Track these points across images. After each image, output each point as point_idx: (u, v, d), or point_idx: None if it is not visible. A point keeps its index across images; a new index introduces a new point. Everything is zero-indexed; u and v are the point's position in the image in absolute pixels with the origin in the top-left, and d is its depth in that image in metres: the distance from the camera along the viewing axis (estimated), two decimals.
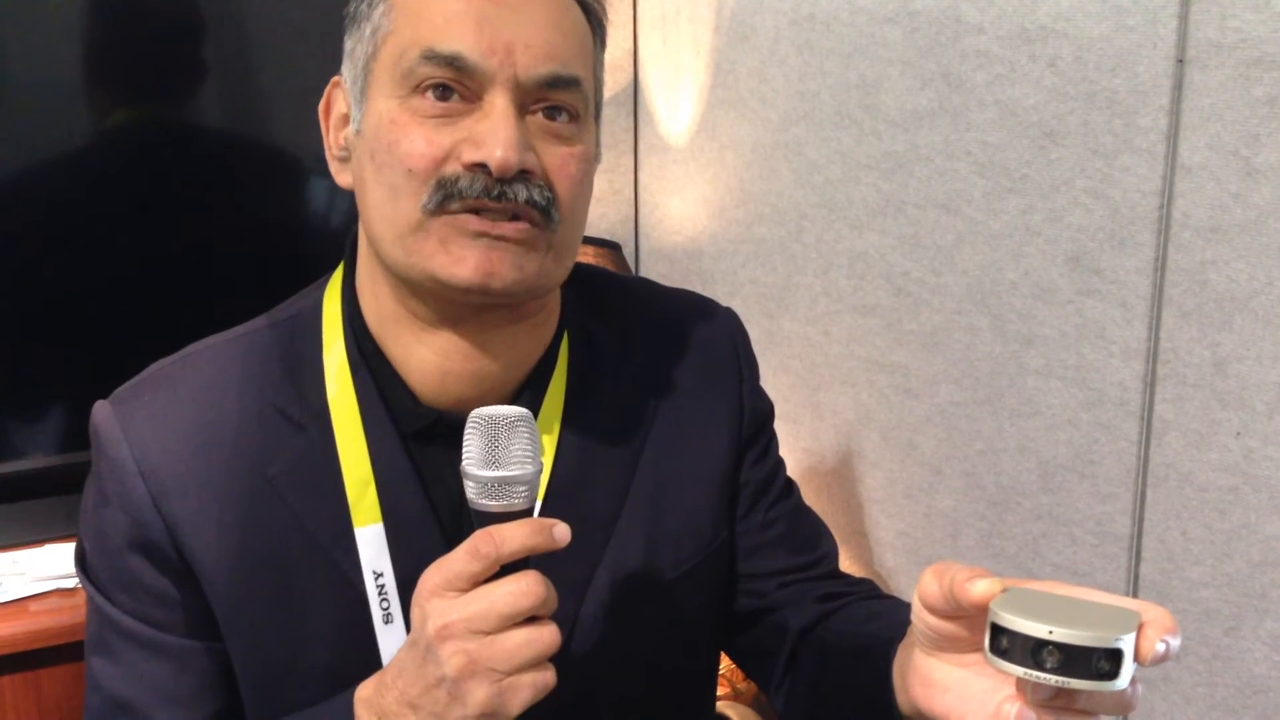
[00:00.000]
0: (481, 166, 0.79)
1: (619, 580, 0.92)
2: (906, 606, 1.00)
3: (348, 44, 0.86)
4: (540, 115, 0.83)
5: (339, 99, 0.88)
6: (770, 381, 1.88)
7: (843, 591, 1.03)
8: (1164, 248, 1.19)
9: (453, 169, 0.80)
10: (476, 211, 0.80)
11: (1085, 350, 1.30)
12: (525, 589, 0.71)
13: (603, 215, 2.28)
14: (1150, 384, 1.23)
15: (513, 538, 0.71)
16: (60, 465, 1.63)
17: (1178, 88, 1.15)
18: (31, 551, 1.53)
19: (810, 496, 1.77)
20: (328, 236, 1.75)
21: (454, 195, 0.79)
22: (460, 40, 0.79)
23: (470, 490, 0.73)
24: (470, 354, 0.86)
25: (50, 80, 1.59)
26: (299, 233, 1.77)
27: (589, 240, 2.10)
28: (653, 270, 2.24)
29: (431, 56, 0.79)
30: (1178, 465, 1.20)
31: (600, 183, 2.43)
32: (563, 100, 0.83)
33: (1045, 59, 1.29)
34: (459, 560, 0.71)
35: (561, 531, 0.72)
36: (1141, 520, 1.24)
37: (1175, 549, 1.21)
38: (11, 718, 1.44)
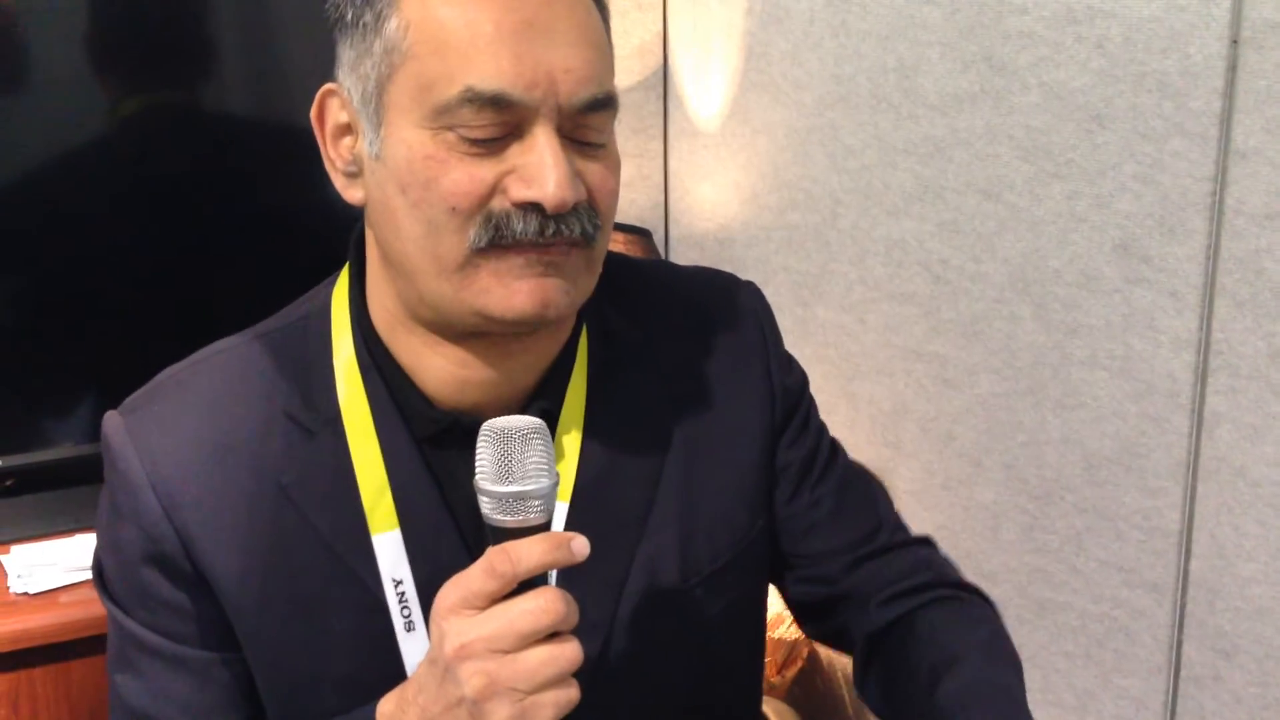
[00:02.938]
0: (533, 205, 0.76)
1: (654, 579, 0.90)
2: (980, 624, 0.95)
3: (346, 53, 0.81)
4: (578, 136, 0.80)
5: (335, 108, 0.82)
6: (806, 371, 1.85)
7: (912, 587, 0.96)
8: (1217, 235, 1.15)
9: (501, 205, 0.76)
10: (529, 247, 0.78)
11: (1133, 340, 1.27)
12: (545, 606, 0.68)
13: (632, 201, 2.25)
14: (1202, 375, 1.19)
15: (529, 555, 0.68)
16: (90, 455, 1.62)
17: (1232, 69, 1.11)
18: (62, 541, 1.52)
19: None
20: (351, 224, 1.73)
21: (507, 235, 0.76)
22: (500, 76, 0.74)
23: (485, 505, 0.70)
24: (489, 362, 0.84)
25: (57, 74, 1.57)
26: (323, 220, 1.75)
27: (619, 227, 2.07)
28: (683, 257, 2.21)
29: (473, 99, 0.74)
30: (1230, 459, 1.17)
31: (629, 168, 2.40)
32: (603, 121, 0.81)
33: (1093, 40, 1.25)
34: (475, 579, 0.69)
35: (580, 546, 0.70)
36: (1192, 515, 1.20)
37: (1227, 545, 1.18)
38: (43, 709, 1.43)
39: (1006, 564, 1.46)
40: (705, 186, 2.10)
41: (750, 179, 1.94)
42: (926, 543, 1.02)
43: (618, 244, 2.02)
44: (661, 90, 2.23)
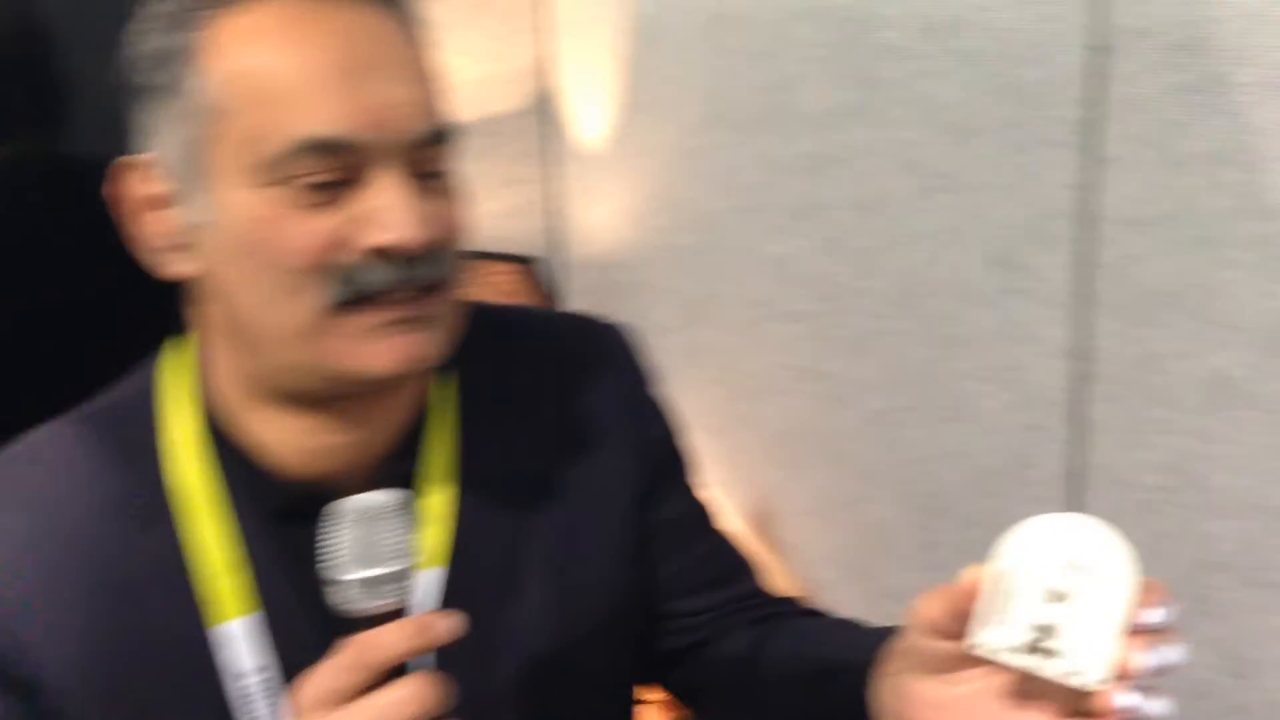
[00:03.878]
0: (387, 251, 0.72)
1: (532, 644, 0.86)
2: (844, 625, 0.96)
3: (151, 120, 0.74)
4: (421, 173, 0.76)
5: (138, 181, 0.75)
6: (696, 394, 1.84)
7: (775, 612, 0.99)
8: (1088, 243, 1.15)
9: (350, 258, 0.72)
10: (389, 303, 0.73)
11: (1014, 351, 1.26)
12: (414, 695, 0.64)
13: (515, 229, 2.22)
14: (1080, 384, 1.19)
15: (389, 644, 0.64)
16: None
17: (1097, 76, 1.12)
18: None
19: (741, 510, 1.72)
20: None
21: (361, 289, 0.72)
22: (334, 120, 0.70)
23: (339, 593, 0.66)
24: (344, 427, 0.79)
25: None
26: None
27: (500, 258, 2.03)
28: (574, 284, 2.18)
29: (308, 147, 0.70)
30: (1111, 467, 1.17)
31: (509, 196, 2.37)
32: (442, 155, 0.77)
33: (960, 52, 1.25)
34: (333, 675, 0.64)
35: (446, 627, 0.66)
36: None
37: None
38: None
39: (903, 581, 1.45)
40: (593, 210, 2.08)
41: (637, 201, 1.92)
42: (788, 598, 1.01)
43: (500, 275, 1.98)
44: (542, 116, 2.20)
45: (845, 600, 1.56)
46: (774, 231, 1.58)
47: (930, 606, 0.67)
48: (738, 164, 1.63)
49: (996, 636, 0.63)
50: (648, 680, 1.02)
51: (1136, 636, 0.62)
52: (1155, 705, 0.62)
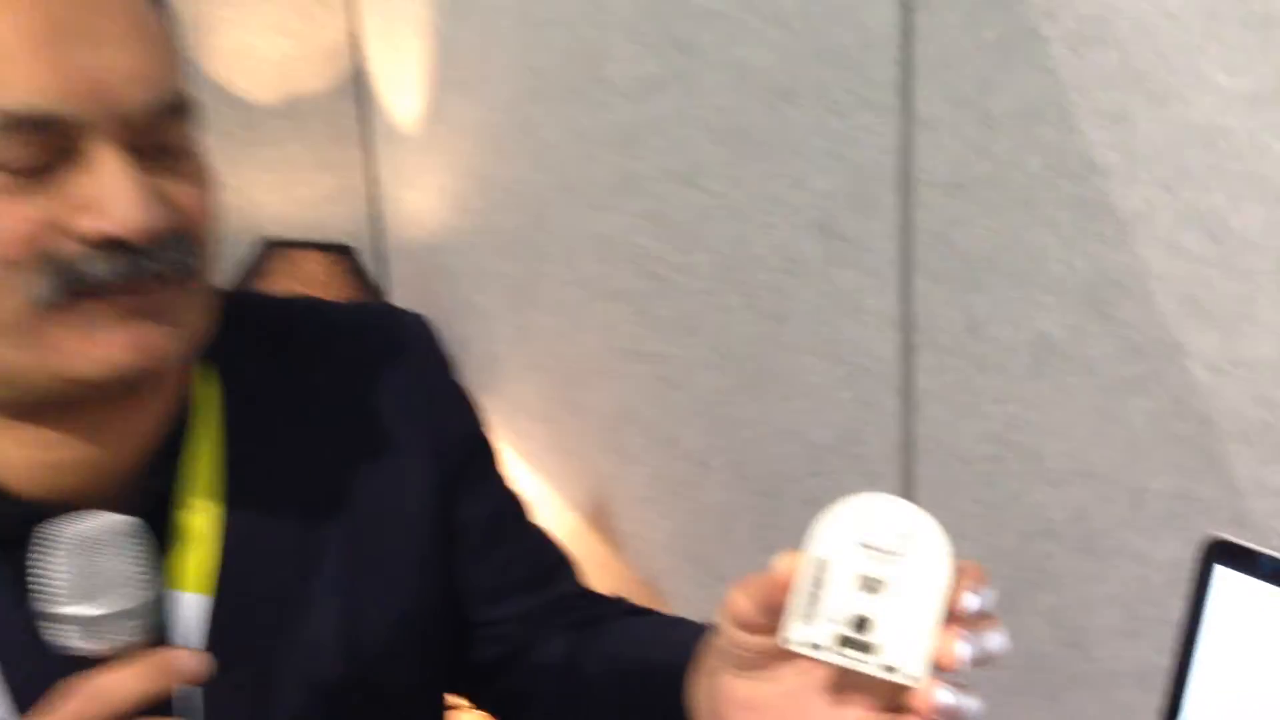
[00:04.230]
0: (111, 241, 0.63)
1: (317, 669, 0.77)
2: (670, 624, 0.90)
3: None
4: (153, 151, 0.66)
5: None
6: (524, 380, 1.76)
7: (596, 615, 0.92)
8: (908, 209, 1.11)
9: (65, 247, 0.62)
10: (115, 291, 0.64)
11: (841, 323, 1.22)
12: None
13: (331, 216, 2.09)
14: (907, 354, 1.15)
15: (124, 689, 0.55)
16: None
17: (907, 35, 1.07)
18: None
19: (574, 499, 1.66)
20: None
21: (79, 282, 0.63)
22: (36, 90, 0.61)
23: (60, 632, 0.57)
24: (82, 438, 0.68)
25: None
26: None
27: (315, 246, 1.91)
28: (397, 271, 2.07)
29: (6, 124, 0.60)
30: (941, 438, 1.14)
31: (327, 181, 2.24)
32: (179, 129, 0.67)
33: (772, 14, 1.20)
34: None
35: (194, 665, 0.57)
36: (910, 498, 1.16)
37: (946, 525, 1.13)
38: None
39: (739, 565, 1.40)
40: (413, 194, 1.97)
41: (456, 182, 1.82)
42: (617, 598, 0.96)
43: (314, 264, 1.86)
44: (358, 96, 2.08)
45: (685, 588, 1.51)
46: (594, 208, 1.51)
47: (740, 600, 0.61)
48: (553, 139, 1.55)
49: (809, 631, 0.58)
50: (460, 693, 0.95)
51: (955, 625, 0.57)
52: (970, 702, 0.57)
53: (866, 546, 0.58)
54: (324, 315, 0.89)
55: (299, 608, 0.77)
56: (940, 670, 0.57)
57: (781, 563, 0.59)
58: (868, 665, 0.58)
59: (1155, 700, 0.98)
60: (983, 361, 1.08)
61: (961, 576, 0.58)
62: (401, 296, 2.01)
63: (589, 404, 1.59)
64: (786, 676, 0.63)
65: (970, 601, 0.57)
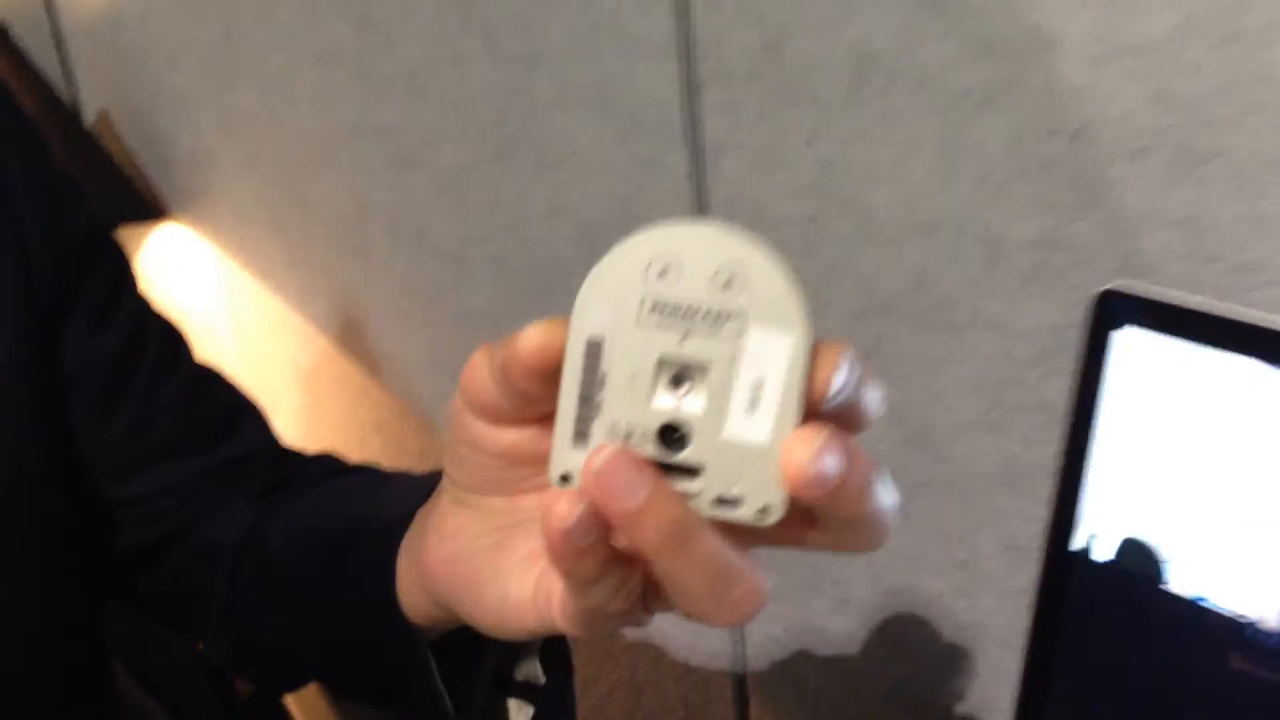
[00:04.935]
0: None
1: None
2: (397, 477, 0.66)
3: None
4: None
5: None
6: (241, 178, 1.42)
7: (286, 478, 0.68)
8: None
9: None
10: None
11: (605, 60, 0.93)
12: None
13: None
14: (691, 93, 0.88)
15: None
16: None
17: None
18: None
19: (317, 319, 1.36)
20: None
21: None
22: None
23: None
24: None
25: None
26: None
27: None
28: (78, 55, 1.67)
29: None
30: (744, 197, 0.88)
31: None
32: None
33: None
34: None
35: None
36: None
37: None
38: None
39: None
40: None
41: None
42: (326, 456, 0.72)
43: None
44: None
45: None
46: None
47: (476, 368, 0.40)
48: None
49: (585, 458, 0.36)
50: (113, 595, 0.70)
51: (816, 423, 0.36)
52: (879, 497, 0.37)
53: (666, 311, 0.36)
54: None
55: None
56: (800, 498, 0.36)
57: (533, 335, 0.37)
58: (693, 504, 0.37)
59: (1025, 504, 0.78)
60: (787, 91, 0.81)
61: (819, 346, 0.36)
62: (88, 84, 1.62)
63: (317, 199, 1.28)
64: (528, 512, 0.44)
65: (837, 383, 0.36)
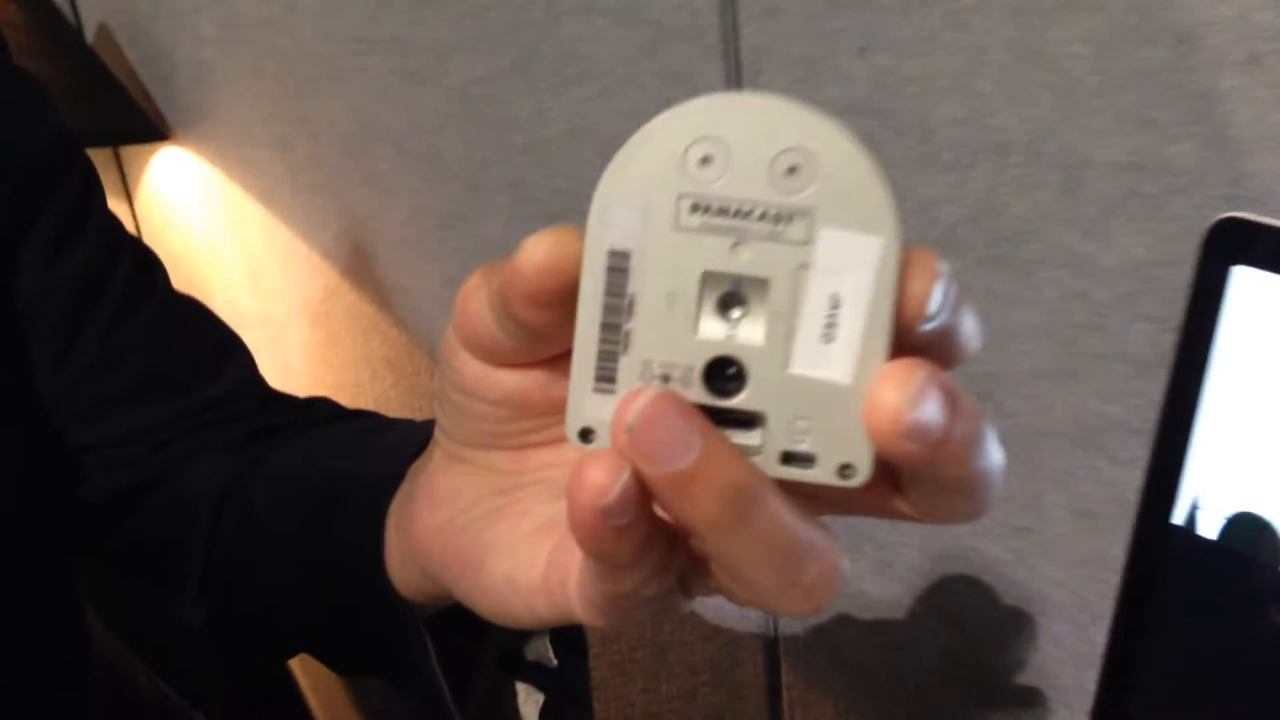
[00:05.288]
0: None
1: None
2: (394, 424, 0.58)
3: None
4: None
5: None
6: (244, 95, 1.33)
7: (271, 424, 0.60)
8: None
9: None
10: None
11: None
12: None
13: None
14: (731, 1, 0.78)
15: None
16: None
17: None
18: None
19: (324, 248, 1.28)
20: None
21: None
22: None
23: None
24: None
25: None
26: None
27: None
28: None
29: None
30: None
31: None
32: None
33: None
34: None
35: None
36: None
37: None
38: None
39: None
40: None
41: None
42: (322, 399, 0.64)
43: None
44: None
45: None
46: None
47: (472, 298, 0.31)
48: None
49: (612, 405, 0.28)
50: (83, 551, 0.64)
51: (910, 359, 0.27)
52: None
53: (711, 210, 0.27)
54: None
55: None
56: (891, 454, 0.27)
57: (538, 250, 0.29)
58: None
59: (1101, 465, 0.69)
60: (836, 1, 0.72)
61: (909, 252, 0.27)
62: None
63: (323, 118, 1.19)
64: (537, 470, 0.35)
65: (935, 301, 0.27)
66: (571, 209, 0.97)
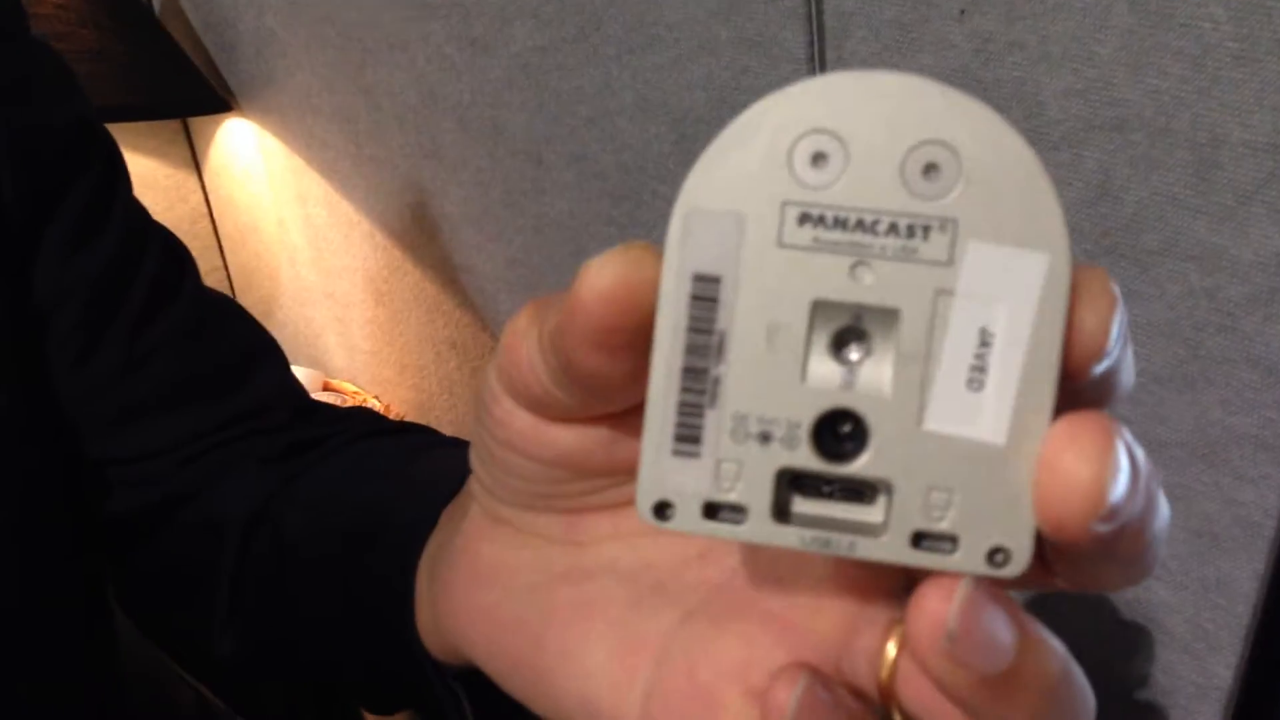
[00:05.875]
0: None
1: None
2: (440, 443, 0.53)
3: None
4: None
5: None
6: (306, 65, 1.29)
7: (310, 439, 0.55)
8: None
9: None
10: None
11: None
12: None
13: None
14: None
15: None
16: None
17: None
18: None
19: (386, 225, 1.23)
20: None
21: None
22: None
23: None
24: None
25: None
26: None
27: None
28: None
29: None
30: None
31: None
32: None
33: None
34: None
35: None
36: None
37: None
38: None
39: None
40: None
41: None
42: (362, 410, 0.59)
43: None
44: None
45: None
46: None
47: (518, 341, 0.25)
48: None
49: (695, 475, 0.22)
50: (101, 560, 0.60)
51: (1090, 413, 0.20)
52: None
53: (825, 223, 0.21)
54: None
55: None
56: (1060, 536, 0.20)
57: (603, 275, 0.22)
58: (868, 547, 0.22)
59: (1224, 481, 0.61)
60: None
61: (1078, 278, 0.20)
62: None
63: (384, 88, 1.14)
64: (598, 543, 0.29)
65: (1112, 339, 0.20)
66: (639, 187, 0.91)
